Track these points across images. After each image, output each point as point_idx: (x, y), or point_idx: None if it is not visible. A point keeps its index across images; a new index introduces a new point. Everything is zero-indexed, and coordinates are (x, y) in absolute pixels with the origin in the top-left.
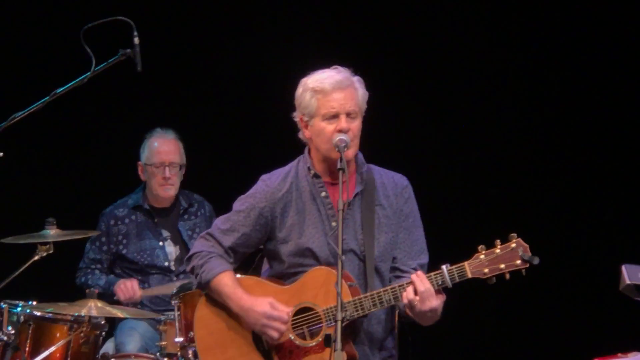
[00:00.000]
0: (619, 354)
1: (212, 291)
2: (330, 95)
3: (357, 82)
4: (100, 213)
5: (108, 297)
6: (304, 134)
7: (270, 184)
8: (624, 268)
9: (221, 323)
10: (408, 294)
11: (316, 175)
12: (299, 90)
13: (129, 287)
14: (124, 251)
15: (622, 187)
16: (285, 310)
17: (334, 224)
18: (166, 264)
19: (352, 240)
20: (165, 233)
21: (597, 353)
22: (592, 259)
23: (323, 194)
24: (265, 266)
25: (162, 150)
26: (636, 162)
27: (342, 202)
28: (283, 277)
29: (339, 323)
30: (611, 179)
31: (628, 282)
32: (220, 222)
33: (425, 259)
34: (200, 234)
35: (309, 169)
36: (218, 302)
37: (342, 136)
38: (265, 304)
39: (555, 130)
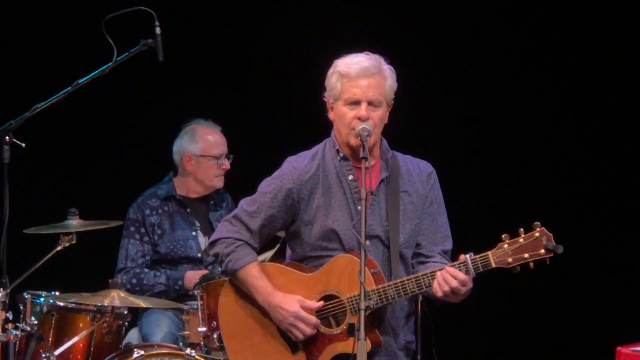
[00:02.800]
0: None
1: (239, 281)
2: (354, 81)
3: (387, 71)
4: (125, 203)
5: (172, 292)
6: (329, 115)
7: (297, 165)
8: None
9: (246, 309)
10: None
11: (345, 158)
12: (330, 71)
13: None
14: (159, 241)
15: None
16: (314, 307)
17: (359, 207)
18: (199, 254)
19: (377, 226)
20: (197, 223)
21: (620, 341)
22: (614, 247)
23: (350, 177)
24: (289, 251)
25: (220, 142)
26: None
27: (364, 190)
28: (305, 260)
29: (362, 312)
30: (633, 165)
31: None
32: (245, 204)
33: (449, 245)
34: (224, 217)
35: (337, 151)
36: (242, 289)
37: (365, 124)
38: (295, 303)
39: (578, 116)
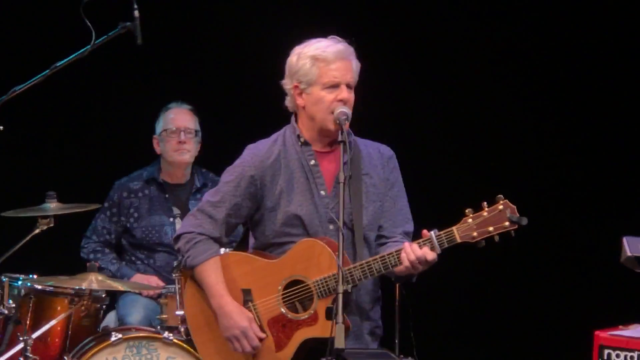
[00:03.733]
0: (620, 326)
1: (197, 278)
2: (332, 64)
3: (354, 54)
4: (104, 186)
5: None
6: (294, 102)
7: (257, 153)
8: (625, 240)
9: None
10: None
11: (306, 143)
12: (294, 58)
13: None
14: (135, 225)
15: (624, 157)
16: (259, 336)
17: (322, 192)
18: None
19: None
20: (176, 210)
21: (598, 325)
22: (592, 231)
23: (312, 162)
24: (252, 240)
25: (177, 117)
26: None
27: (342, 174)
28: (269, 248)
29: (340, 296)
30: (612, 148)
31: (629, 254)
32: (209, 195)
33: (410, 227)
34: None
35: (298, 136)
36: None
37: (344, 108)
38: (245, 318)
39: (539, 89)
